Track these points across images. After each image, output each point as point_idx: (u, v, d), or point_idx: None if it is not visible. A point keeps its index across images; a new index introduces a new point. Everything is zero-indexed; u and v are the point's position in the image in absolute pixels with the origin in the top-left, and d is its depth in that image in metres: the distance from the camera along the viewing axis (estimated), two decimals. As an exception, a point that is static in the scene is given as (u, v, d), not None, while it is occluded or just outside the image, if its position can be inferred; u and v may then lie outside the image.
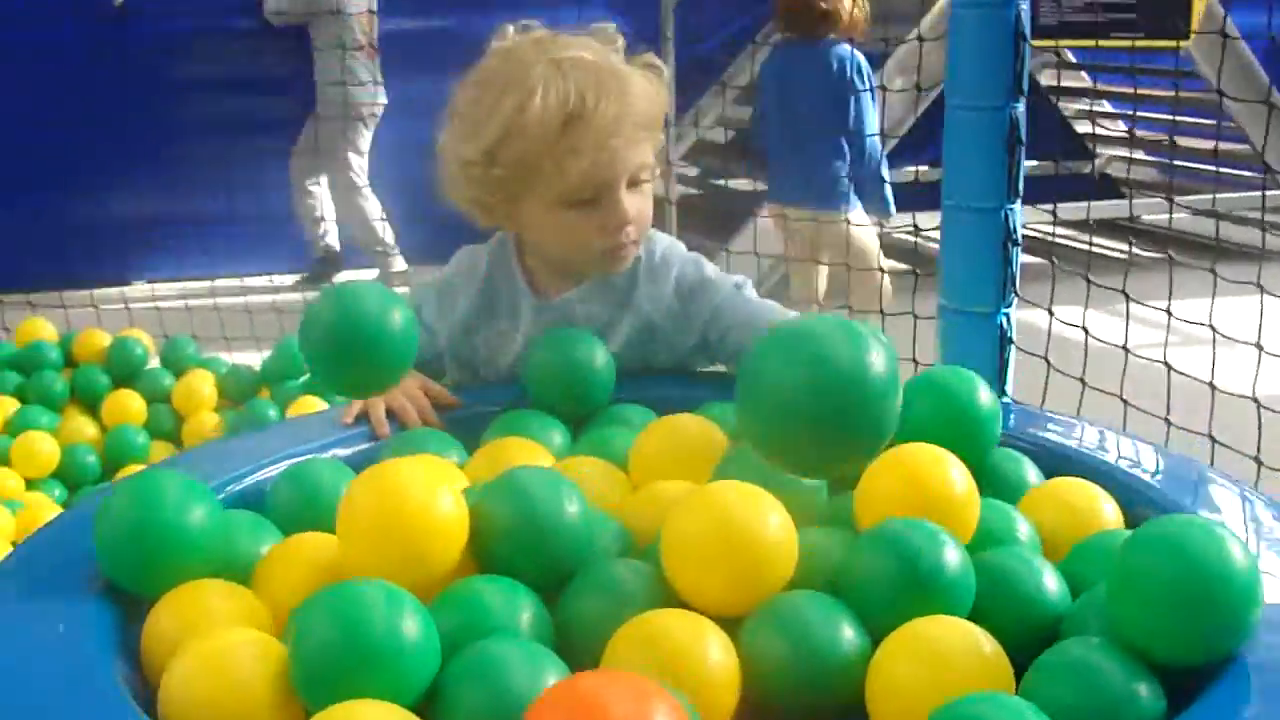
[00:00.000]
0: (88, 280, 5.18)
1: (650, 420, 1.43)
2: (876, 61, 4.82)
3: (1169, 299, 2.15)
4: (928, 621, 0.98)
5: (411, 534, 1.04)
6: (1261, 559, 1.07)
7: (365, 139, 6.04)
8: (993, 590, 1.05)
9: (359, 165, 6.04)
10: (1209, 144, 6.74)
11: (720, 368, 1.67)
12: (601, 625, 1.01)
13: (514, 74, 1.50)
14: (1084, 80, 7.53)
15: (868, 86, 4.06)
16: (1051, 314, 2.24)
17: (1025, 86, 2.11)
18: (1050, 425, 1.47)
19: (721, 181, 7.26)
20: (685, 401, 1.44)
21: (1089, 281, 2.20)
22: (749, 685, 0.98)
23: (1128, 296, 2.17)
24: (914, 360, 2.53)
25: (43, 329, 3.48)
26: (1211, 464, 2.02)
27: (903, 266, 3.78)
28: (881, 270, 3.42)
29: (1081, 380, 2.19)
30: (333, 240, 6.25)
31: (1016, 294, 2.17)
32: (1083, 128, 7.53)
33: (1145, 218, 6.74)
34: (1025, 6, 2.10)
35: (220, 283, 5.36)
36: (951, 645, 0.95)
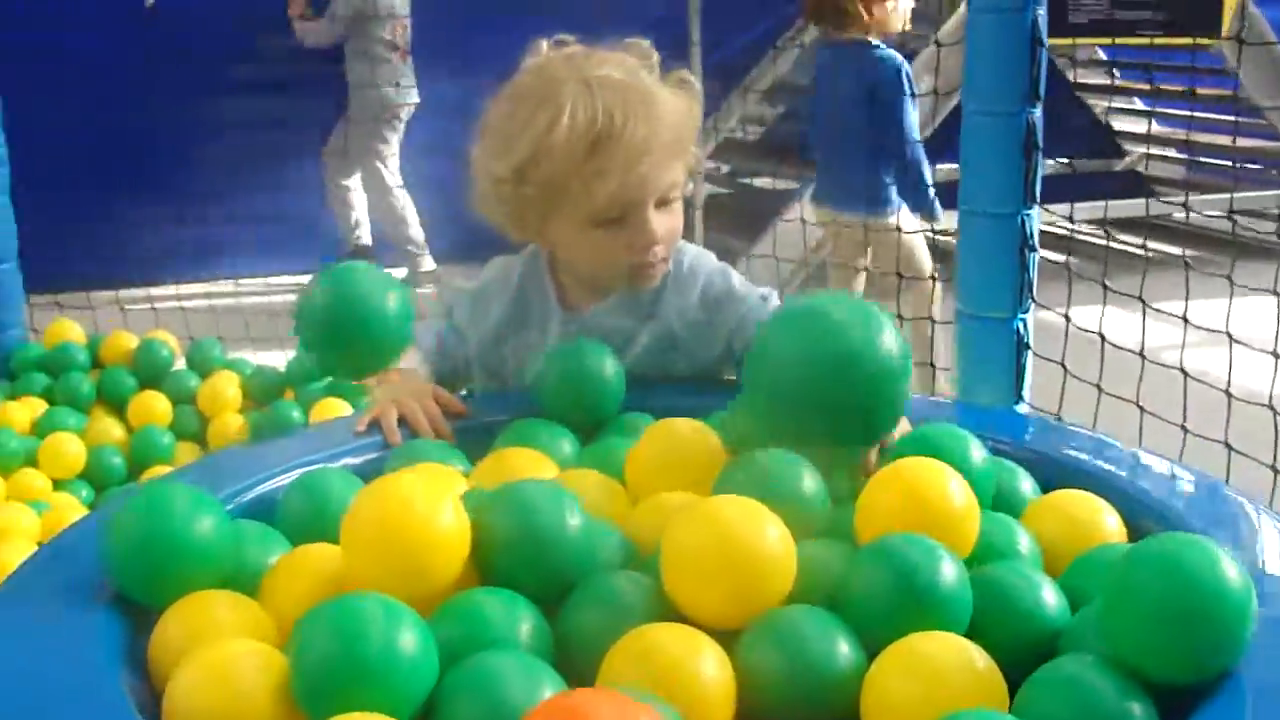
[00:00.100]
0: (115, 281, 5.23)
1: (657, 427, 1.44)
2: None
3: (1185, 302, 2.14)
4: (922, 637, 0.98)
5: (414, 547, 1.05)
6: (1265, 579, 1.06)
7: (397, 138, 6.08)
8: (991, 605, 1.06)
9: (392, 164, 6.08)
10: (1245, 142, 6.69)
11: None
12: (601, 637, 1.02)
13: (544, 92, 1.50)
14: (1114, 77, 7.50)
15: (907, 89, 4.02)
16: (1068, 320, 2.23)
17: (1042, 91, 2.10)
18: (1061, 437, 1.47)
19: (750, 180, 7.27)
20: (695, 411, 1.44)
21: (1105, 288, 2.19)
22: (744, 699, 0.99)
23: (1144, 303, 2.16)
24: (931, 365, 2.54)
25: (71, 331, 3.52)
26: (1228, 473, 2.03)
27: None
28: (934, 278, 3.39)
29: (1098, 387, 2.19)
30: (365, 238, 6.30)
31: (1033, 299, 2.16)
32: (1114, 125, 7.49)
33: (1176, 215, 6.70)
34: (1042, 11, 2.09)
35: (245, 283, 5.39)
36: (945, 661, 0.96)
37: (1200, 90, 6.64)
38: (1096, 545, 1.18)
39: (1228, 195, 5.95)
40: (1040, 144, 2.11)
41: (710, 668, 0.97)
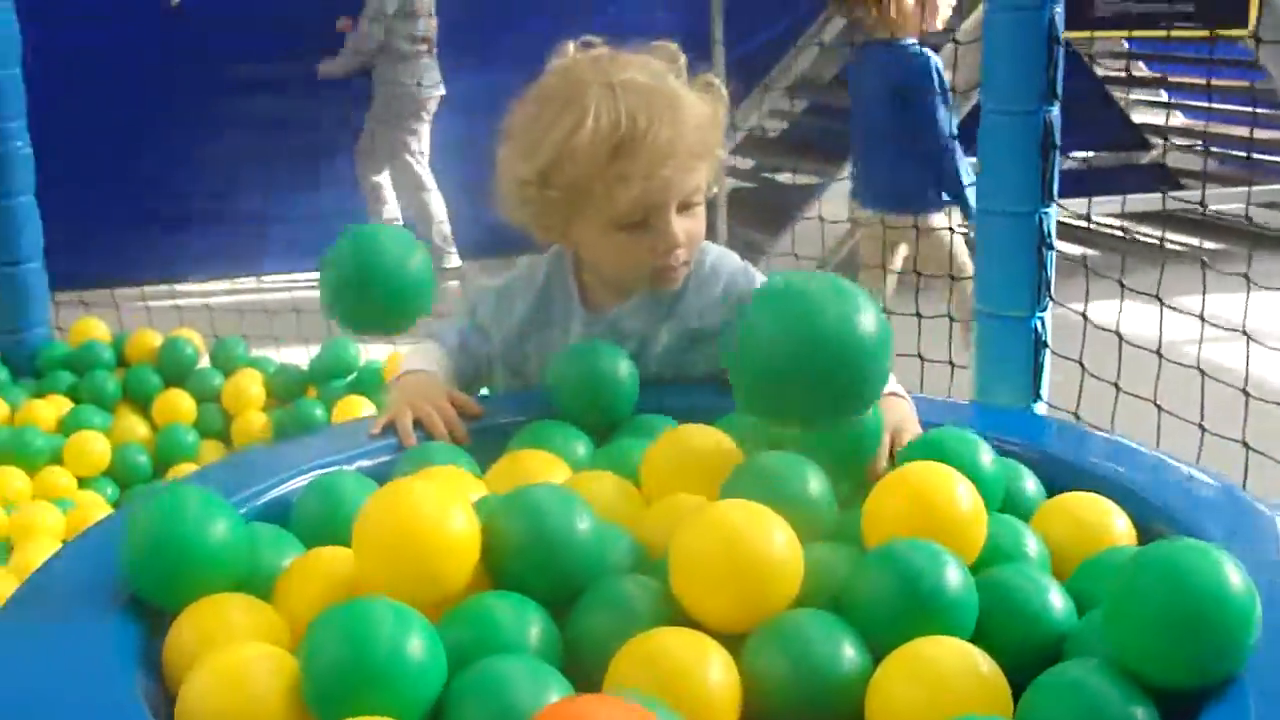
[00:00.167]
0: (140, 278, 5.27)
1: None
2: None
3: (1202, 297, 2.13)
4: (926, 642, 0.99)
5: (424, 552, 1.06)
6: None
7: (425, 132, 6.09)
8: (997, 608, 1.06)
9: (422, 159, 6.10)
10: (1267, 134, 6.65)
11: None
12: (609, 641, 1.03)
13: (569, 95, 1.51)
14: (1138, 70, 7.46)
15: (939, 87, 3.99)
16: (1086, 319, 2.23)
17: (1060, 90, 2.10)
18: (1075, 439, 1.48)
19: (773, 175, 7.27)
20: (711, 411, 1.45)
21: (1122, 286, 2.18)
22: (750, 703, 0.99)
23: (1161, 301, 2.16)
24: (950, 363, 2.54)
25: (96, 329, 3.54)
26: (1245, 472, 2.02)
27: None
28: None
29: (1116, 386, 2.18)
30: None
31: (1051, 297, 2.16)
32: (1139, 117, 7.46)
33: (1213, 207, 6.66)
34: (1059, 10, 2.09)
35: (269, 279, 5.42)
36: (949, 666, 0.96)
37: (1228, 83, 6.60)
38: (1105, 548, 1.18)
39: (1247, 188, 5.91)
40: (1058, 143, 2.11)
41: (716, 672, 0.98)
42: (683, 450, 1.32)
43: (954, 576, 1.04)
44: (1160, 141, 7.46)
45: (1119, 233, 5.54)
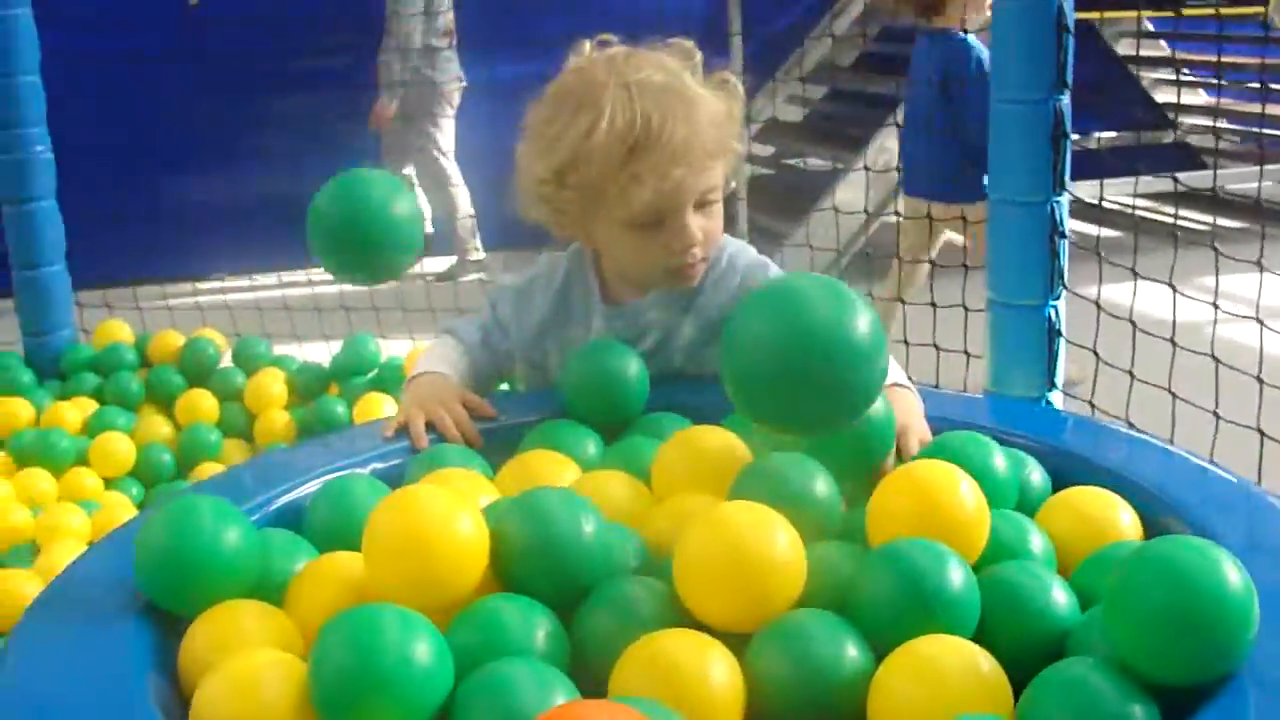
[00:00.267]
0: (162, 276, 5.30)
1: (683, 428, 1.46)
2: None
3: (1215, 277, 2.12)
4: (927, 640, 0.99)
5: (433, 558, 1.08)
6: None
7: (450, 125, 6.09)
8: (1001, 605, 1.07)
9: (449, 152, 6.09)
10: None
11: None
12: (615, 642, 1.04)
13: (584, 95, 1.52)
14: (1163, 49, 7.41)
15: (983, 76, 3.96)
16: (1099, 308, 2.22)
17: (1069, 78, 2.10)
18: (1089, 434, 1.48)
19: (794, 161, 7.26)
20: (721, 409, 1.45)
21: (1135, 275, 2.18)
22: (753, 703, 1.00)
23: (1173, 288, 2.15)
24: (966, 353, 2.53)
25: (120, 331, 3.58)
26: (1260, 460, 2.02)
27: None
28: None
29: (1130, 374, 2.18)
30: (426, 226, 6.36)
31: (1065, 286, 2.16)
32: (1161, 97, 7.41)
33: (1229, 186, 6.62)
34: (1068, -3, 2.08)
35: (288, 276, 5.45)
36: (950, 665, 0.97)
37: (1251, 60, 6.55)
38: (1109, 543, 1.18)
39: (1260, 167, 5.86)
40: (1069, 131, 2.11)
41: (719, 672, 0.99)
42: (693, 451, 1.33)
43: (956, 575, 1.04)
44: (1183, 121, 7.41)
45: (1151, 215, 5.51)
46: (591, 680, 1.03)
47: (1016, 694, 0.97)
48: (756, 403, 1.13)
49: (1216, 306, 2.13)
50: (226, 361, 3.50)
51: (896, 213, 3.76)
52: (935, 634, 1.01)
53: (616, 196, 1.52)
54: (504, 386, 1.84)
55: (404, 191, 1.51)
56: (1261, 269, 2.12)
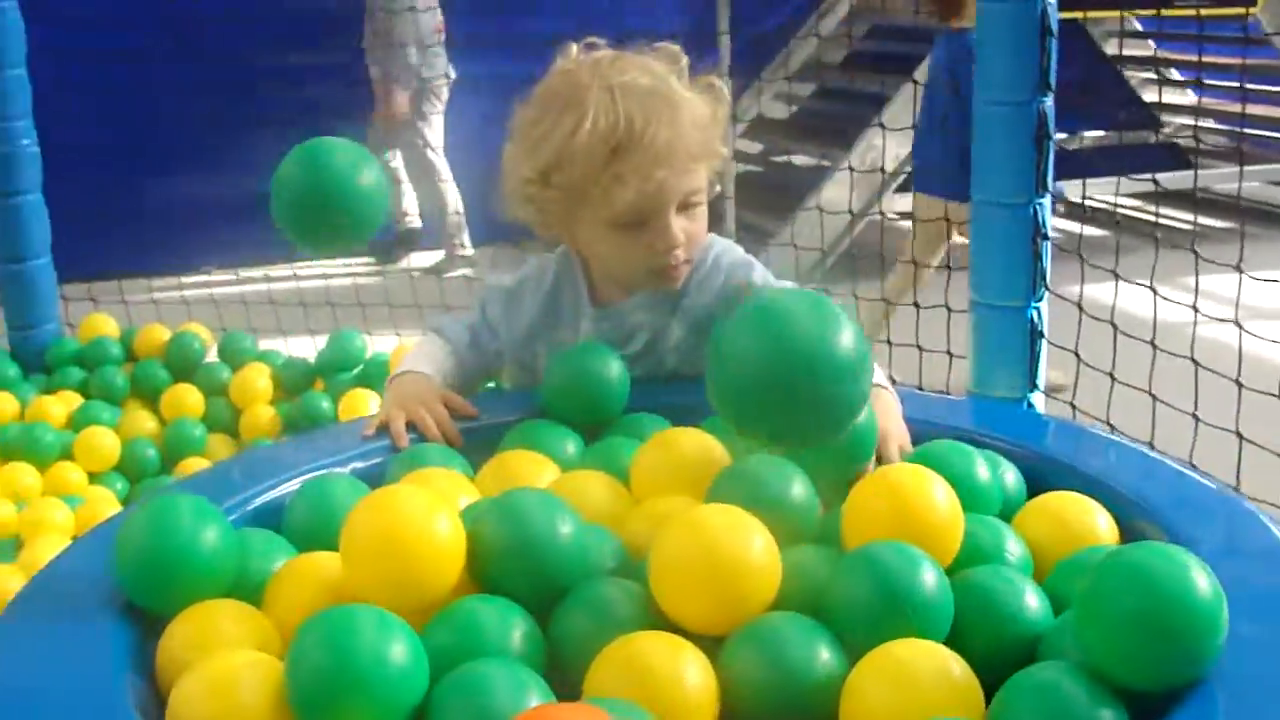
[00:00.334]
0: (148, 270, 5.29)
1: (663, 428, 1.46)
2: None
3: (1195, 278, 2.13)
4: (899, 644, 1.00)
5: (410, 558, 1.08)
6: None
7: (439, 119, 6.08)
8: (974, 609, 1.08)
9: (437, 146, 6.09)
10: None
11: None
12: (590, 644, 1.05)
13: (569, 97, 1.53)
14: (1151, 49, 7.43)
15: None
16: (1081, 309, 2.23)
17: (1053, 80, 2.11)
18: (1069, 438, 1.48)
19: (781, 158, 7.27)
20: (701, 409, 1.45)
21: (1116, 276, 2.19)
22: (727, 705, 1.01)
23: (1154, 291, 2.16)
24: (949, 353, 2.54)
25: (105, 325, 3.56)
26: (1239, 463, 2.03)
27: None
28: None
29: (1111, 376, 2.19)
30: (415, 221, 6.39)
31: (1047, 287, 2.17)
32: (1150, 97, 7.42)
33: (1216, 186, 6.65)
34: (1053, 0, 2.09)
35: (274, 271, 5.44)
36: (923, 668, 0.97)
37: (1240, 61, 6.56)
38: (1084, 548, 1.19)
39: (1256, 167, 5.88)
40: (1052, 133, 2.11)
41: (693, 674, 1.00)
42: (672, 453, 1.34)
43: (929, 579, 1.05)
44: (1171, 121, 7.43)
45: (1138, 215, 5.52)
46: (567, 683, 1.04)
47: (989, 697, 0.98)
48: (743, 418, 1.14)
49: (1196, 310, 2.14)
50: (212, 356, 3.49)
51: (881, 213, 3.76)
52: (908, 638, 1.01)
53: (600, 197, 1.52)
54: (490, 385, 1.85)
55: (369, 160, 1.51)
56: (1240, 272, 2.13)
